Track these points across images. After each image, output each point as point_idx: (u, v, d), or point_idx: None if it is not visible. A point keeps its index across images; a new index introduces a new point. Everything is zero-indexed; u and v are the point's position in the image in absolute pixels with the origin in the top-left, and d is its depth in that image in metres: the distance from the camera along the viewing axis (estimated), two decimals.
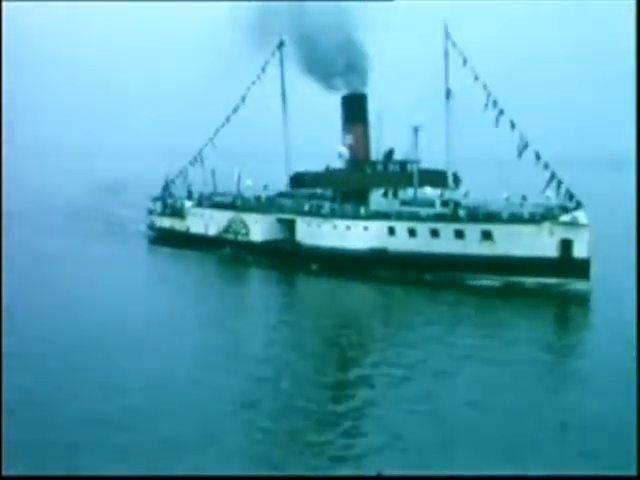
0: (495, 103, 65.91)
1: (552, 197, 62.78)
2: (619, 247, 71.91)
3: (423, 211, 67.54)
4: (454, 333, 48.47)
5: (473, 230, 63.63)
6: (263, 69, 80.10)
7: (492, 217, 63.89)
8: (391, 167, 75.89)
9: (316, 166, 76.87)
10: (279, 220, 76.42)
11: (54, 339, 45.59)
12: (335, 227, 70.98)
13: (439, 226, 65.14)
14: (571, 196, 61.63)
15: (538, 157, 63.92)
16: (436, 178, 71.91)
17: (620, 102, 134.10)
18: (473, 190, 70.04)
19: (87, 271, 67.66)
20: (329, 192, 76.53)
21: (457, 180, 72.32)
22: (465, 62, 66.76)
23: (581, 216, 59.80)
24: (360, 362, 43.62)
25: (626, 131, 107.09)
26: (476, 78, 66.40)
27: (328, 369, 42.29)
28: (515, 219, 62.71)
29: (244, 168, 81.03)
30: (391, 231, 67.49)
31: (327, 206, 74.16)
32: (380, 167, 76.24)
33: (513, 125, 65.26)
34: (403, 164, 74.72)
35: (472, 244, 63.52)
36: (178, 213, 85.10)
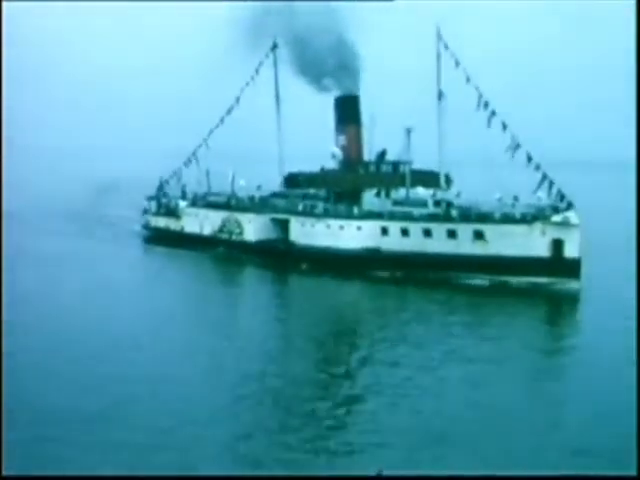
0: (487, 104, 66.58)
1: (543, 198, 63.50)
2: (612, 247, 72.64)
3: (416, 211, 68.20)
4: (446, 332, 49.08)
5: (465, 230, 64.31)
6: (257, 71, 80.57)
7: (484, 217, 64.59)
8: (384, 168, 76.49)
9: (309, 167, 77.41)
10: (273, 220, 76.95)
11: (54, 339, 46.07)
12: (328, 227, 71.56)
13: (432, 226, 65.79)
14: (562, 197, 62.38)
15: (530, 158, 64.61)
16: (428, 179, 72.51)
17: (619, 103, 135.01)
18: (465, 191, 70.69)
19: (83, 269, 68.04)
20: (322, 192, 77.07)
21: (449, 181, 72.91)
22: (457, 64, 67.40)
23: (572, 216, 60.52)
24: (349, 360, 44.01)
25: (626, 132, 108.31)
26: (468, 80, 66.98)
27: (318, 366, 42.69)
28: (507, 219, 63.41)
29: (238, 169, 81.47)
30: (384, 231, 68.13)
31: (320, 206, 74.71)
32: (373, 168, 76.85)
33: (505, 126, 65.92)
34: (395, 165, 75.34)
35: (464, 244, 64.19)
36: (173, 213, 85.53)
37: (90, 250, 75.19)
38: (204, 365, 41.80)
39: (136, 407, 35.09)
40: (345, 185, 75.90)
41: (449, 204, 68.02)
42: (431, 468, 28.50)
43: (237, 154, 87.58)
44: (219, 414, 34.88)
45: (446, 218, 66.10)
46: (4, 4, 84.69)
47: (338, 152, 77.28)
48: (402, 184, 72.62)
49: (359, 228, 69.59)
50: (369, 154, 77.75)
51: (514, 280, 61.83)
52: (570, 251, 60.77)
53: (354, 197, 74.83)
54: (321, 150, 77.87)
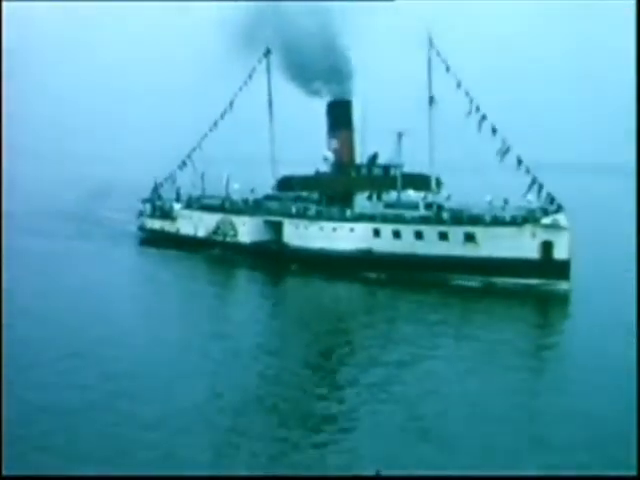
0: (478, 109, 67.51)
1: (533, 200, 64.43)
2: (604, 249, 73.44)
3: (407, 213, 69.05)
4: (436, 332, 50.13)
5: (457, 232, 65.24)
6: (250, 76, 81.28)
7: (475, 220, 65.49)
8: (375, 171, 76.98)
9: (302, 170, 78.11)
10: (266, 222, 77.59)
11: (53, 338, 46.96)
12: (322, 229, 72.35)
13: (423, 228, 66.70)
14: (552, 199, 63.36)
15: (520, 162, 65.41)
16: (419, 182, 73.05)
17: (617, 106, 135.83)
18: (456, 194, 71.51)
19: (80, 270, 68.77)
20: (315, 195, 77.80)
21: (439, 184, 73.55)
22: (448, 69, 68.30)
23: (562, 219, 61.55)
24: (342, 361, 45.09)
25: (625, 136, 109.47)
26: (459, 85, 67.93)
27: (309, 368, 43.63)
28: (497, 222, 64.38)
29: (232, 172, 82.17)
30: (376, 233, 69.01)
31: (313, 208, 75.43)
32: (364, 171, 77.31)
33: (494, 130, 66.77)
34: (387, 168, 75.92)
35: (456, 246, 65.11)
36: (168, 215, 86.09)
37: (86, 251, 75.68)
38: (194, 363, 42.58)
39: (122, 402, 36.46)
40: (337, 188, 76.69)
41: (440, 207, 68.89)
42: (435, 469, 29.25)
43: (230, 157, 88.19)
44: (208, 413, 35.66)
45: (437, 220, 67.01)
46: (4, 4, 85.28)
47: (330, 155, 78.00)
48: (393, 187, 73.28)
49: (352, 230, 70.42)
50: (361, 158, 78.46)
51: (505, 281, 62.81)
52: (560, 253, 61.80)
53: (346, 200, 75.49)
54: (314, 154, 78.54)
